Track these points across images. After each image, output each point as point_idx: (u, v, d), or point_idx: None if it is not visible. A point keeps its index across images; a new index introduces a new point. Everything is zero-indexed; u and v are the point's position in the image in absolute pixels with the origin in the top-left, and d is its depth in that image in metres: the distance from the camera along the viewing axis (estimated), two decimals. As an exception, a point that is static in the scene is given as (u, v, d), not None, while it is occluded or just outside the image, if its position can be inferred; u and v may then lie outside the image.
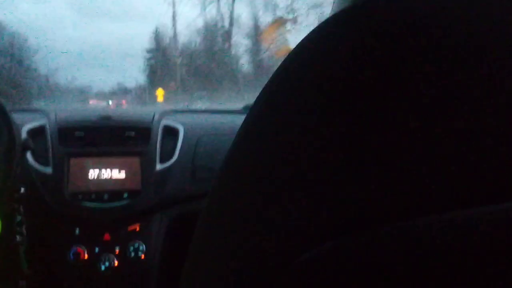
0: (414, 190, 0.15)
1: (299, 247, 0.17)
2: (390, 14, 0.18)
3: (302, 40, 0.21)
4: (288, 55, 0.22)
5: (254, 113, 0.22)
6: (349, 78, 0.18)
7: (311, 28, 0.21)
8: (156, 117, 1.37)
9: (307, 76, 0.20)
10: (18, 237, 1.09)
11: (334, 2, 1.09)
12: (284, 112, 0.20)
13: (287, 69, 0.21)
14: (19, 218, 1.10)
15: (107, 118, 1.33)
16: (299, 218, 0.17)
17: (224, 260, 0.20)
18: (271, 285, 0.18)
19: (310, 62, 0.20)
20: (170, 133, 1.36)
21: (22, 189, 1.11)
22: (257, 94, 0.23)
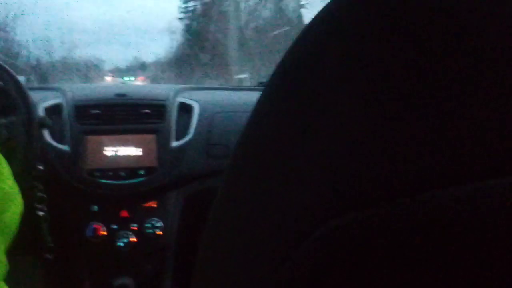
0: (444, 160, 0.15)
1: (322, 217, 0.17)
2: None
3: (319, 13, 0.21)
4: (305, 28, 0.21)
5: (271, 87, 0.22)
6: (377, 50, 0.17)
7: (327, 2, 0.21)
8: (171, 94, 1.37)
9: (328, 49, 0.19)
10: (40, 213, 1.11)
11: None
12: (303, 85, 0.20)
13: (305, 42, 0.21)
14: (39, 195, 1.12)
15: (122, 95, 1.34)
16: (323, 189, 0.17)
17: (243, 232, 0.21)
18: (293, 255, 0.18)
19: (331, 34, 0.19)
20: (185, 110, 1.36)
21: (40, 167, 1.12)
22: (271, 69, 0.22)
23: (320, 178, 0.18)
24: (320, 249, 0.17)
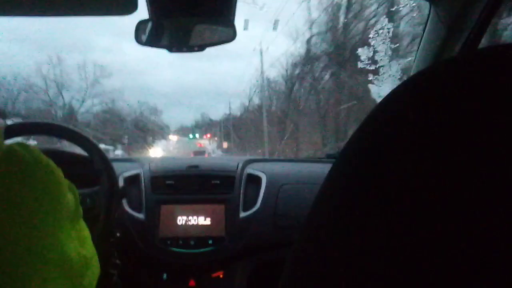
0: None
1: None
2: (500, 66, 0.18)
3: (396, 89, 0.21)
4: (381, 103, 0.21)
5: (344, 159, 0.22)
6: (453, 128, 0.18)
7: (394, 79, 0.21)
8: (240, 165, 1.42)
9: (404, 125, 0.19)
10: (114, 279, 1.15)
11: (416, 53, 1.08)
12: (375, 159, 0.20)
13: (382, 116, 0.21)
14: (113, 260, 1.17)
15: (195, 167, 1.41)
16: (391, 266, 0.18)
17: None
18: None
19: (408, 110, 0.20)
20: (253, 181, 1.39)
21: (118, 234, 1.18)
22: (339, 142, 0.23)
23: (392, 254, 0.18)
24: None
